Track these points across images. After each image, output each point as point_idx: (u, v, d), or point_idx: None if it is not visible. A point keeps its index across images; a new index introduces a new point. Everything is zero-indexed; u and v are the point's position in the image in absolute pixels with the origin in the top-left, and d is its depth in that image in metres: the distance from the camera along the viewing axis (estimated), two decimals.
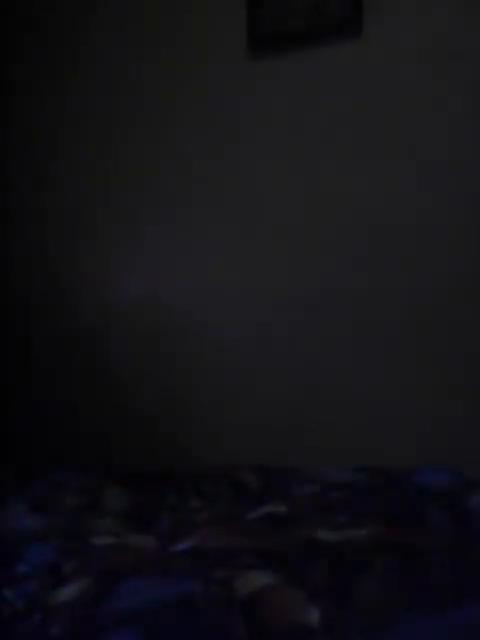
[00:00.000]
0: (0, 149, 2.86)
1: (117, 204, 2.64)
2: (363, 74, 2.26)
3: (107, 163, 2.65)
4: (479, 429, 2.14)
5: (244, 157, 2.43)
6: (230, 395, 2.46)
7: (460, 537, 1.20)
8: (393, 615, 0.93)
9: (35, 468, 1.99)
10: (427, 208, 2.19)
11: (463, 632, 0.89)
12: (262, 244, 2.41)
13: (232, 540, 1.24)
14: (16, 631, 1.00)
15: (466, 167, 2.14)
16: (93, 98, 2.67)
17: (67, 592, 1.08)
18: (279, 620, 0.94)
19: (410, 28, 2.19)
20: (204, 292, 2.50)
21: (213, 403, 2.49)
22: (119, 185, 2.63)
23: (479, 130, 2.13)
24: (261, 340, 2.41)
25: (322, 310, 2.33)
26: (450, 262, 2.16)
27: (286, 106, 2.36)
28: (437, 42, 2.16)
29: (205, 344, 2.50)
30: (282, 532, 1.27)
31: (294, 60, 2.35)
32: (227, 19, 2.44)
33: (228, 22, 2.43)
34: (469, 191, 2.14)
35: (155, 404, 2.59)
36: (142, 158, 2.59)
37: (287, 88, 2.36)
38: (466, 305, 2.15)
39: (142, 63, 2.59)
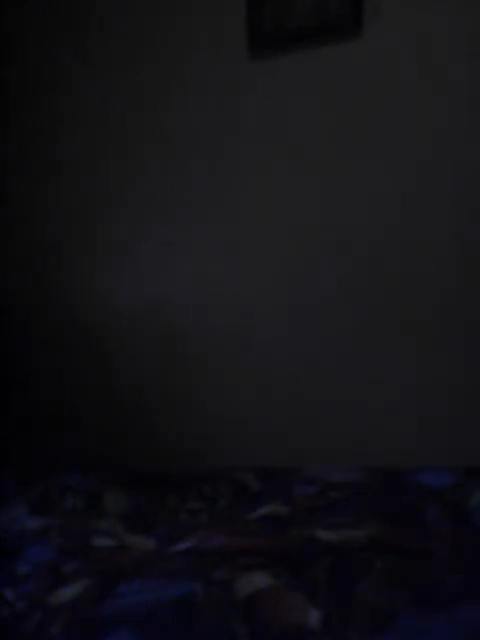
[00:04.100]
0: (0, 149, 2.86)
1: (117, 205, 2.64)
2: (363, 74, 2.26)
3: (107, 163, 2.65)
4: (479, 428, 2.14)
5: (244, 157, 2.43)
6: (230, 395, 2.46)
7: (460, 537, 1.20)
8: (393, 615, 0.93)
9: (36, 469, 1.99)
10: (427, 208, 2.19)
11: (463, 632, 0.88)
12: (263, 244, 2.41)
13: (232, 541, 1.24)
14: (16, 631, 1.00)
15: (467, 167, 2.14)
16: (93, 98, 2.67)
17: (67, 592, 1.08)
18: (279, 620, 0.94)
19: (410, 28, 2.19)
20: (204, 292, 2.50)
21: (213, 403, 2.49)
22: (119, 185, 2.63)
23: None
24: (261, 340, 2.41)
25: (323, 311, 2.32)
26: (451, 262, 2.16)
27: (286, 106, 2.36)
28: (437, 42, 2.16)
29: (205, 344, 2.50)
30: (282, 532, 1.27)
31: (294, 60, 2.34)
32: (227, 19, 2.43)
33: (228, 22, 2.43)
34: (470, 191, 2.14)
35: (155, 405, 2.59)
36: (141, 158, 2.59)
37: (287, 88, 2.36)
38: (466, 304, 2.15)
39: (142, 63, 2.59)
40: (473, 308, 2.14)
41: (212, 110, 2.47)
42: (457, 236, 2.15)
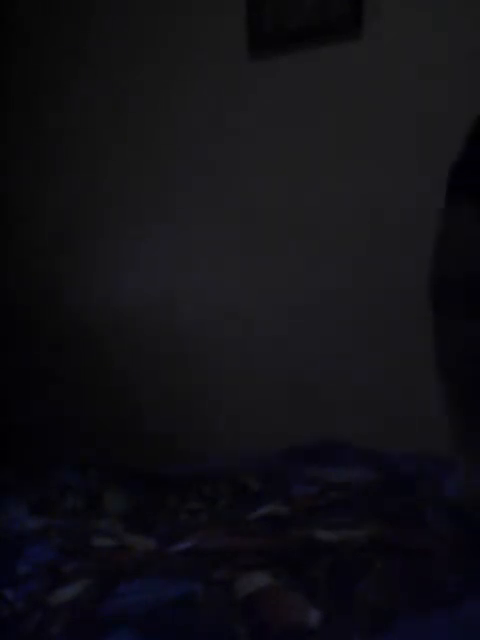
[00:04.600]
0: (0, 149, 2.86)
1: (117, 204, 2.64)
2: (363, 74, 2.25)
3: (107, 163, 2.65)
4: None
5: (244, 157, 2.43)
6: (230, 395, 2.46)
7: (460, 537, 1.20)
8: (393, 615, 0.93)
9: (35, 469, 1.99)
10: (427, 208, 2.18)
11: (463, 632, 0.88)
12: (263, 243, 2.41)
13: (232, 540, 1.24)
14: (16, 631, 1.00)
15: None
16: (93, 98, 2.67)
17: (67, 592, 1.08)
18: (279, 620, 0.94)
19: (410, 28, 2.19)
20: (204, 292, 2.50)
21: (213, 403, 2.49)
22: (119, 185, 2.63)
23: None
24: (261, 340, 2.41)
25: (323, 311, 2.32)
26: None
27: (286, 106, 2.36)
28: (437, 42, 2.16)
29: (205, 344, 2.50)
30: (282, 532, 1.27)
31: (294, 60, 2.34)
32: (227, 19, 2.43)
33: (228, 22, 2.43)
34: None
35: (155, 405, 2.59)
36: (141, 158, 2.59)
37: (287, 88, 2.36)
38: None
39: (142, 63, 2.59)
40: None
41: (212, 110, 2.47)
42: None
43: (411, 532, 1.23)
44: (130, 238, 2.62)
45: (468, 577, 1.02)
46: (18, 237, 2.82)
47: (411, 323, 2.21)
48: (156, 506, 1.57)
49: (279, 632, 0.92)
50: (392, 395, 2.23)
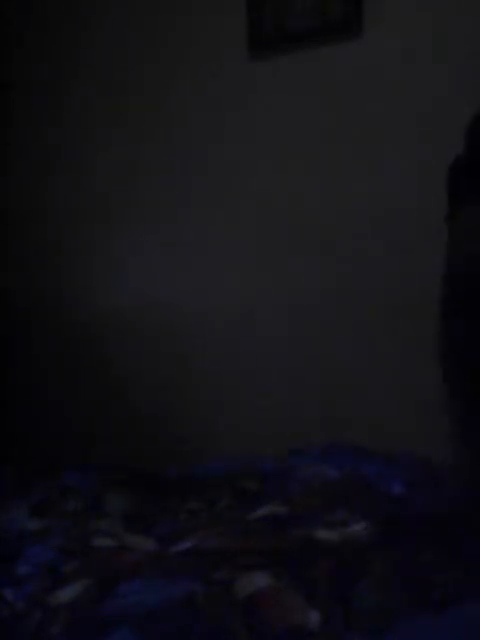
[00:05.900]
0: (0, 149, 2.85)
1: (116, 204, 2.64)
2: (363, 74, 2.25)
3: (106, 163, 2.65)
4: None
5: (244, 157, 2.43)
6: (230, 396, 2.46)
7: (460, 536, 1.20)
8: (393, 615, 0.93)
9: (35, 470, 1.99)
10: (426, 208, 2.18)
11: (463, 631, 0.89)
12: (262, 243, 2.41)
13: (232, 541, 1.24)
14: (16, 631, 1.01)
15: None
16: (93, 98, 2.67)
17: (67, 592, 1.09)
18: (279, 621, 0.95)
19: (410, 28, 2.19)
20: (204, 292, 2.50)
21: (213, 403, 2.49)
22: (118, 185, 2.63)
23: None
24: (261, 339, 2.41)
25: (323, 309, 2.32)
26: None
27: (286, 106, 2.36)
28: (437, 42, 2.16)
29: (205, 344, 2.50)
30: (282, 532, 1.27)
31: (294, 60, 2.34)
32: (227, 19, 2.43)
33: (228, 22, 2.43)
34: None
35: (155, 404, 2.59)
36: (141, 158, 2.59)
37: (287, 88, 2.36)
38: None
39: (142, 63, 2.58)
40: None
41: (212, 110, 2.47)
42: None
43: (411, 531, 1.23)
44: (130, 238, 2.62)
45: (468, 577, 1.02)
46: (18, 237, 2.82)
47: (412, 322, 2.21)
48: (156, 506, 1.57)
49: (279, 632, 0.92)
50: (393, 394, 2.23)
